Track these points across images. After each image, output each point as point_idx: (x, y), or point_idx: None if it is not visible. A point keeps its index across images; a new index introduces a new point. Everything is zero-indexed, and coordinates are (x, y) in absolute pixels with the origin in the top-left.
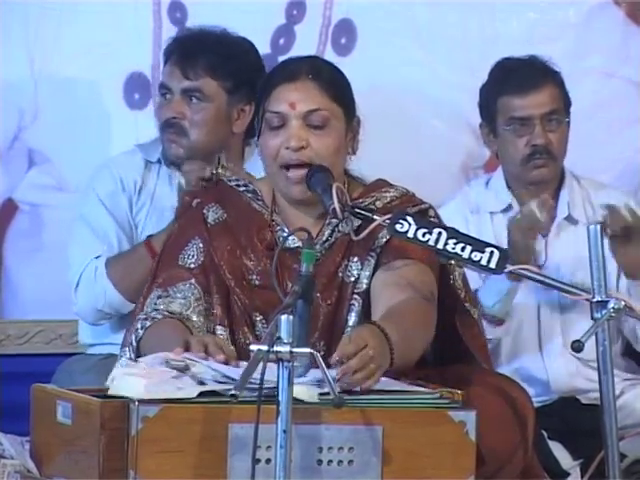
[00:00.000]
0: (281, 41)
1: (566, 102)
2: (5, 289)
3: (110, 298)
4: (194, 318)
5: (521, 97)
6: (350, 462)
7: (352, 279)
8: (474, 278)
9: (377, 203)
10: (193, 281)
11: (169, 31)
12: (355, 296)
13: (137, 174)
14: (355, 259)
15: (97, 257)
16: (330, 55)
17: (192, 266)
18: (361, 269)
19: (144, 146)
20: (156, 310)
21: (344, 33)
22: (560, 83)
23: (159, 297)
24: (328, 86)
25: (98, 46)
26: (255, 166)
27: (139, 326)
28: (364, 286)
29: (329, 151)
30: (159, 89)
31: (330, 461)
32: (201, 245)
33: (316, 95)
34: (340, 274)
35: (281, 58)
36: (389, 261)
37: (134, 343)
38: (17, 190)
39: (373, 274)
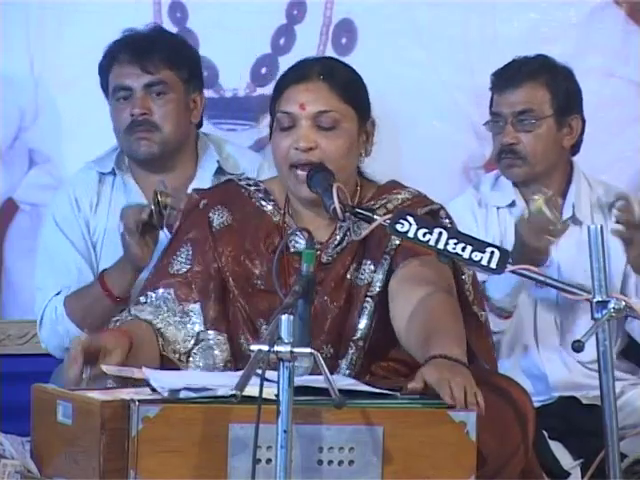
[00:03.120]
0: (281, 41)
1: (557, 102)
2: (5, 289)
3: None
4: (161, 328)
5: (498, 94)
6: (351, 462)
7: (364, 282)
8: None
9: (389, 205)
10: (172, 291)
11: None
12: (367, 299)
13: (92, 191)
14: (369, 262)
15: (57, 294)
16: (330, 55)
17: (180, 272)
18: (374, 272)
19: (97, 160)
20: (128, 312)
21: (345, 33)
22: (552, 83)
23: (136, 303)
24: (340, 87)
25: (98, 46)
26: (209, 161)
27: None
28: (377, 289)
29: (339, 152)
30: (114, 93)
31: (331, 461)
32: (191, 252)
33: (326, 96)
34: (349, 277)
35: (281, 58)
36: (403, 260)
37: None
38: (17, 190)
39: (387, 277)
